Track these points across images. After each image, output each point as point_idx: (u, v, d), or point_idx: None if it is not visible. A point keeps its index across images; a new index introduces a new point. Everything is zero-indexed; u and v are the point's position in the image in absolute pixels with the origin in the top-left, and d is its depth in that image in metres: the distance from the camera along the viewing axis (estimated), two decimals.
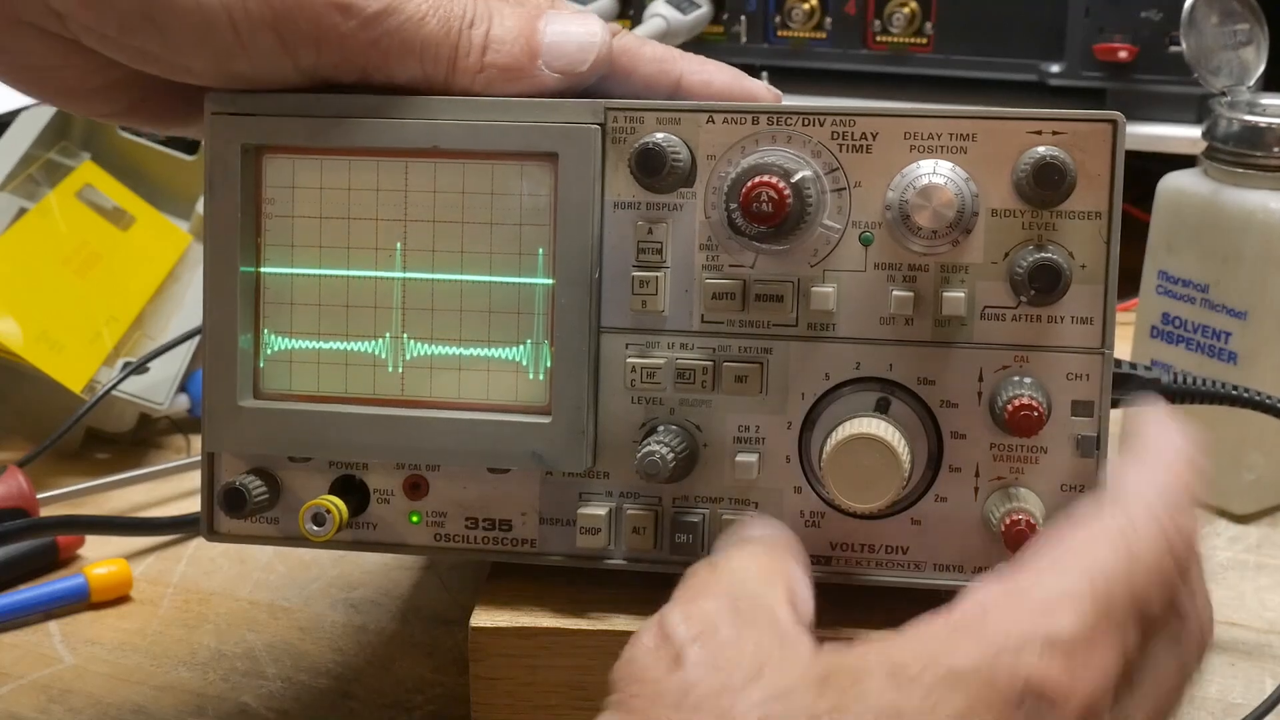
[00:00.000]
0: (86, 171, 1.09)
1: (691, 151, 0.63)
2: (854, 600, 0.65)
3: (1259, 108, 0.86)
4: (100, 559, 0.83)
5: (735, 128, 0.63)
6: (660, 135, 0.63)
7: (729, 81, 0.67)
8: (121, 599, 0.82)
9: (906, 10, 1.21)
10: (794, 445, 0.64)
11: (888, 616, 0.64)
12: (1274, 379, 0.85)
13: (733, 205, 0.62)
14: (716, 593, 0.53)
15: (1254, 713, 0.67)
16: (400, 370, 0.65)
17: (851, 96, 1.23)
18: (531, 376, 0.64)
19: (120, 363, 0.97)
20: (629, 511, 0.65)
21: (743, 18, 1.26)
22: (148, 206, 1.11)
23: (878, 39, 1.23)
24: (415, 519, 0.67)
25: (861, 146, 0.62)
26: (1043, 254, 0.61)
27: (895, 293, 0.62)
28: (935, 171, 0.61)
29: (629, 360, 0.64)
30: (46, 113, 1.09)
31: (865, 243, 0.63)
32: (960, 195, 0.61)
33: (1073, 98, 1.19)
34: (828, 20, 1.24)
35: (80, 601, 0.81)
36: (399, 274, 0.65)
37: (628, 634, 0.64)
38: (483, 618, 0.65)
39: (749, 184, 0.61)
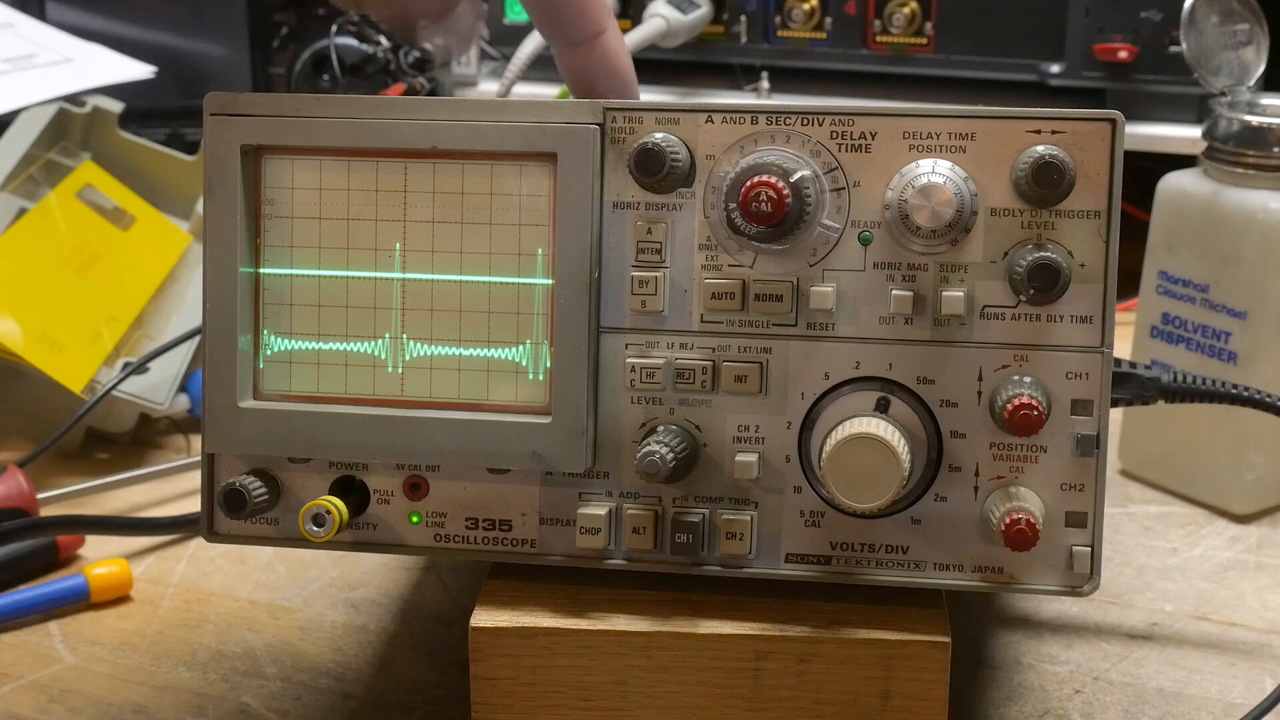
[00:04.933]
0: (86, 171, 1.09)
1: (690, 151, 0.63)
2: (854, 600, 0.65)
3: (1259, 108, 0.86)
4: (100, 559, 0.83)
5: (734, 127, 0.63)
6: (659, 135, 0.63)
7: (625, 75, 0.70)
8: (121, 599, 0.82)
9: (906, 10, 1.21)
10: (794, 445, 0.64)
11: (888, 616, 0.64)
12: (1274, 379, 0.85)
13: (732, 205, 0.62)
14: None
15: (1254, 713, 0.67)
16: (400, 371, 0.65)
17: (851, 96, 1.23)
18: (531, 377, 0.64)
19: (120, 363, 0.97)
20: (629, 511, 0.65)
21: (743, 18, 1.26)
22: (148, 206, 1.11)
23: (878, 39, 1.23)
24: (415, 519, 0.67)
25: (861, 146, 0.62)
26: (1042, 253, 0.61)
27: (895, 292, 0.62)
28: (934, 171, 0.61)
29: (629, 360, 0.64)
30: (46, 112, 1.09)
31: (864, 242, 0.63)
32: (959, 195, 0.61)
33: (1073, 98, 1.19)
34: (828, 20, 1.24)
35: (80, 601, 0.81)
36: (398, 275, 0.65)
37: (628, 634, 0.64)
38: (483, 618, 0.65)
39: (748, 184, 0.61)
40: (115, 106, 1.14)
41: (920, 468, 0.63)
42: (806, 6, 1.24)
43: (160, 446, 1.01)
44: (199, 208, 1.11)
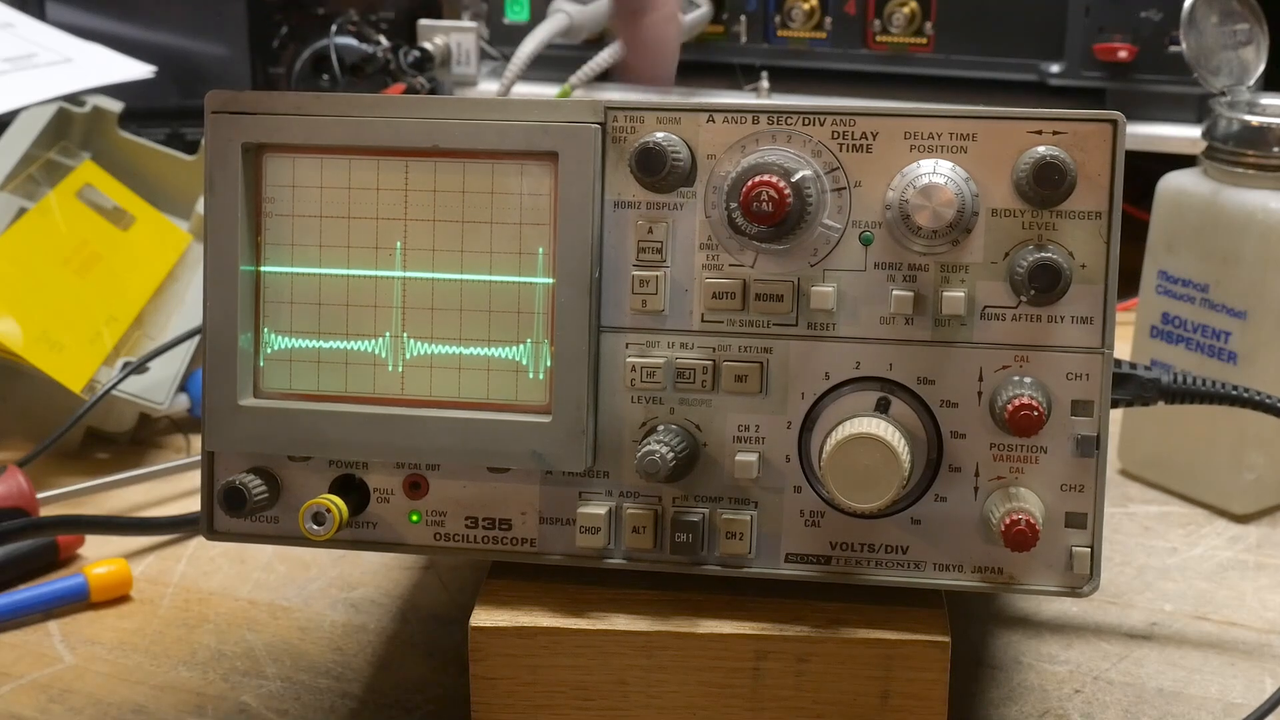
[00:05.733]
0: (86, 171, 1.09)
1: (691, 151, 0.63)
2: (854, 600, 0.65)
3: (1259, 108, 0.86)
4: (100, 559, 0.83)
5: (735, 127, 0.63)
6: (660, 135, 0.63)
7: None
8: (121, 599, 0.82)
9: (906, 10, 1.21)
10: (794, 445, 0.64)
11: (887, 616, 0.64)
12: (1274, 379, 0.85)
13: (733, 205, 0.62)
14: None
15: (1254, 713, 0.67)
16: (400, 369, 0.65)
17: (851, 96, 1.23)
18: (531, 376, 0.64)
19: (120, 363, 0.97)
20: (629, 511, 0.65)
21: (743, 18, 1.26)
22: (148, 206, 1.11)
23: (878, 39, 1.23)
24: (415, 518, 0.67)
25: (861, 146, 0.62)
26: (1043, 254, 0.61)
27: (895, 292, 0.62)
28: (935, 171, 0.61)
29: (629, 360, 0.64)
30: (46, 112, 1.09)
31: (865, 242, 0.63)
32: (960, 195, 0.61)
33: (1073, 98, 1.19)
34: (828, 20, 1.24)
35: (80, 601, 0.81)
36: (399, 273, 0.65)
37: (628, 634, 0.64)
38: (483, 618, 0.65)
39: (749, 183, 0.61)
40: (115, 106, 1.14)
41: (920, 468, 0.63)
42: (806, 6, 1.24)
43: (160, 446, 1.01)
44: (199, 207, 1.10)
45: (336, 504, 0.64)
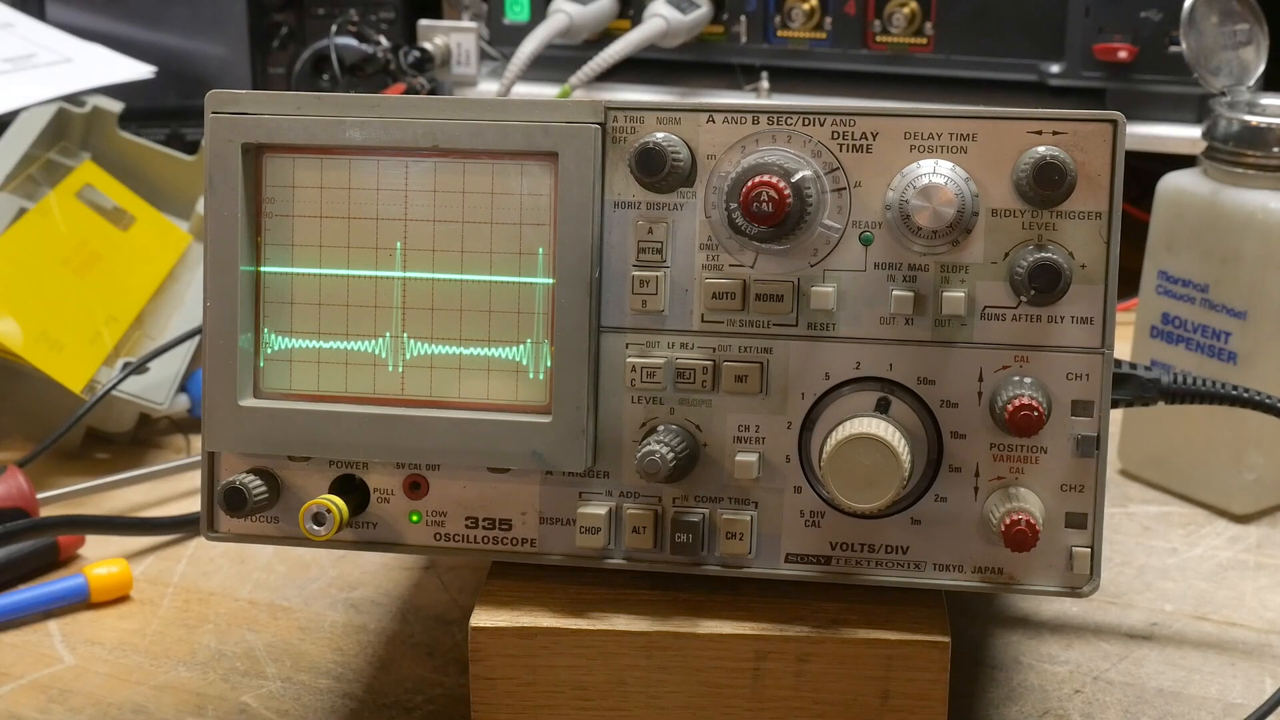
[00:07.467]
0: (86, 171, 1.09)
1: (691, 151, 0.63)
2: (854, 600, 0.65)
3: (1259, 108, 0.86)
4: (100, 559, 0.83)
5: (735, 127, 0.63)
6: (660, 135, 0.63)
7: None
8: (121, 599, 0.82)
9: (906, 10, 1.21)
10: (794, 445, 0.64)
11: (888, 616, 0.64)
12: (1274, 379, 0.85)
13: (733, 205, 0.62)
14: None
15: (1254, 713, 0.67)
16: (400, 370, 0.65)
17: (851, 96, 1.23)
18: (531, 376, 0.65)
19: (120, 363, 0.97)
20: (629, 511, 0.65)
21: (743, 18, 1.26)
22: (148, 206, 1.11)
23: (878, 39, 1.23)
24: (415, 518, 0.67)
25: (861, 146, 0.62)
26: (1043, 254, 0.61)
27: (895, 292, 0.62)
28: (935, 171, 0.61)
29: (629, 360, 0.64)
30: (46, 112, 1.09)
31: (865, 242, 0.63)
32: (960, 195, 0.61)
33: (1073, 98, 1.19)
34: (828, 20, 1.24)
35: (80, 601, 0.81)
36: (399, 273, 0.65)
37: (628, 634, 0.64)
38: (483, 618, 0.65)
39: (749, 184, 0.61)
40: (115, 106, 1.14)
41: (920, 468, 0.63)
42: (806, 6, 1.24)
43: (160, 446, 1.01)
44: (199, 208, 1.11)
45: (337, 504, 0.64)
